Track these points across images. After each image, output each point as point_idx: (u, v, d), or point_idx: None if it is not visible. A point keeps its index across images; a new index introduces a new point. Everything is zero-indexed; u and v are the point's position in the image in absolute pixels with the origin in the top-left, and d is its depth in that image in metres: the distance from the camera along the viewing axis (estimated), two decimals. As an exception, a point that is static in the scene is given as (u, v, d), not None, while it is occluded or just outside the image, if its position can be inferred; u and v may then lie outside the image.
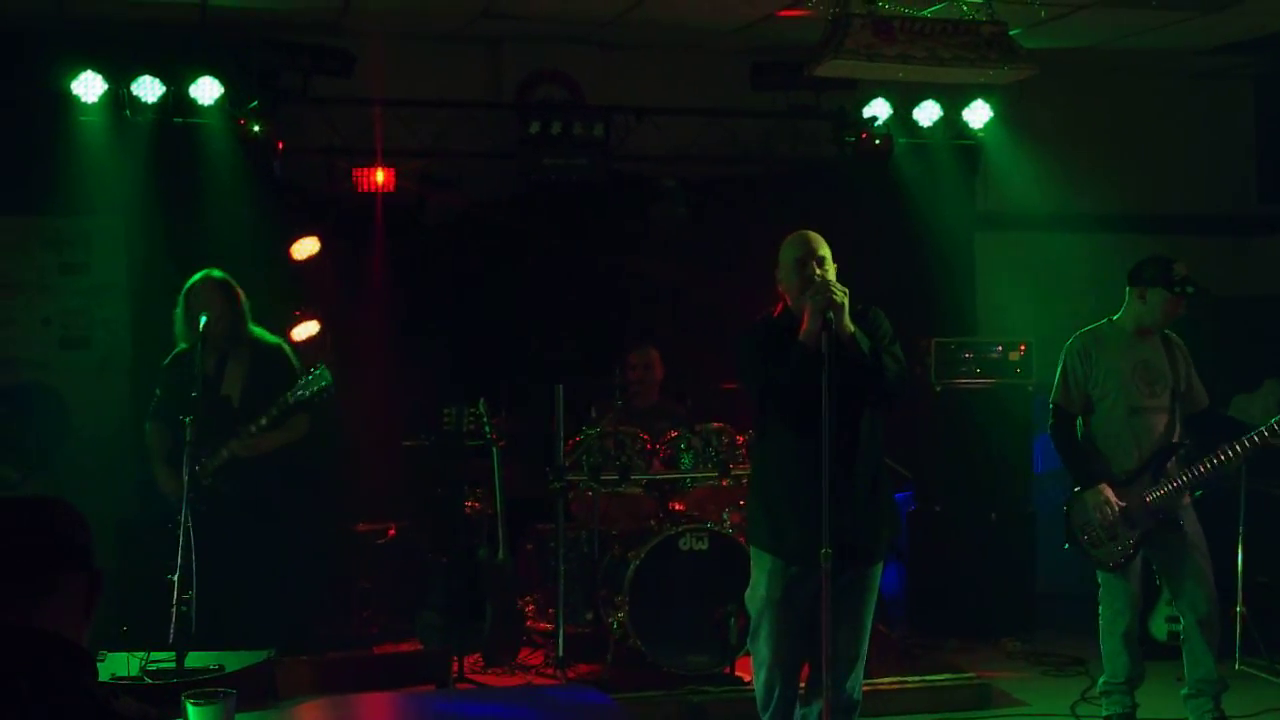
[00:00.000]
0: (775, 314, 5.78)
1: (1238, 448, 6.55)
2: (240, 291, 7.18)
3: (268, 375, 7.13)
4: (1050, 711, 7.65)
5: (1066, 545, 6.91)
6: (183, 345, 7.17)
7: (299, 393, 6.94)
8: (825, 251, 5.63)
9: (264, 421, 6.94)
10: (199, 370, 6.73)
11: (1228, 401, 9.18)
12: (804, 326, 5.42)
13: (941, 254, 9.85)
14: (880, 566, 5.82)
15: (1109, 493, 6.69)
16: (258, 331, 7.31)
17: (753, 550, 5.87)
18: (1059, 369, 6.99)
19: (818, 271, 5.52)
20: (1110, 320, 6.99)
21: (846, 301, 5.39)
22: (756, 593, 5.78)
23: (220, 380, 7.11)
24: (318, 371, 6.98)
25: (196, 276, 7.13)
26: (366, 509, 8.92)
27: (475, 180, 9.47)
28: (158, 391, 7.25)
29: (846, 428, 5.46)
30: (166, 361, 7.26)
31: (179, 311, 7.13)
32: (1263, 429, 6.55)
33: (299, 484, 7.33)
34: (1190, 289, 6.73)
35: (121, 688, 3.08)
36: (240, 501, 6.94)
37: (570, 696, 5.19)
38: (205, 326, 6.86)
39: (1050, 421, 6.99)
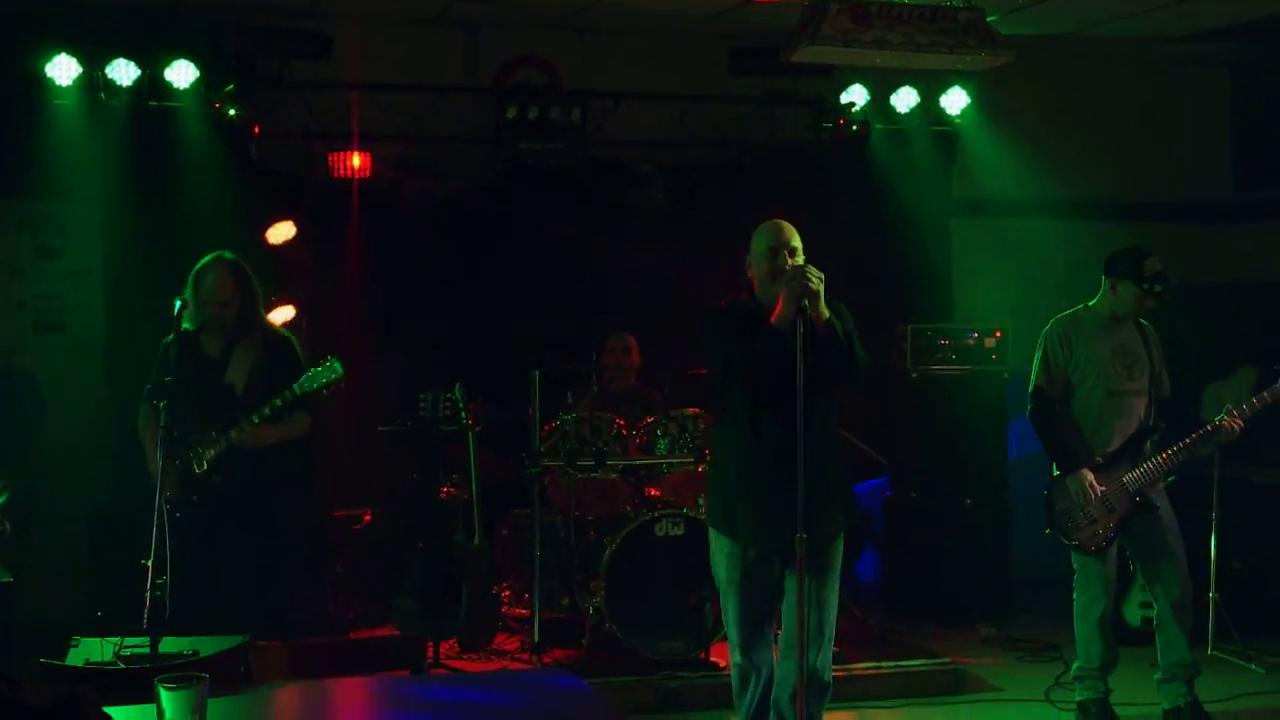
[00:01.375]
0: (743, 298, 5.81)
1: (1209, 428, 6.69)
2: (253, 276, 7.01)
3: (275, 367, 6.95)
4: (1024, 697, 7.67)
5: (1048, 530, 6.93)
6: (187, 325, 6.86)
7: (309, 384, 6.79)
8: (797, 242, 5.67)
9: (268, 411, 6.76)
10: (173, 357, 6.55)
11: (1201, 388, 9.23)
12: (776, 312, 5.43)
13: (918, 240, 9.87)
14: (839, 543, 5.80)
15: (1090, 478, 6.75)
16: (268, 321, 7.19)
17: (710, 530, 5.90)
18: (1039, 353, 7.01)
19: (790, 261, 5.55)
20: (1087, 306, 7.04)
21: (822, 288, 5.41)
22: (718, 573, 5.85)
23: (226, 366, 6.91)
24: (330, 362, 6.82)
25: (208, 258, 6.92)
26: (342, 494, 8.90)
27: (452, 165, 9.44)
28: (155, 373, 6.87)
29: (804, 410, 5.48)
30: (170, 340, 6.81)
31: (187, 292, 6.81)
32: (1231, 409, 6.68)
33: (288, 475, 7.26)
34: (1158, 287, 6.78)
35: (18, 677, 2.89)
36: (232, 492, 6.81)
37: (546, 681, 5.19)
38: (180, 310, 6.66)
39: (1030, 406, 7.02)
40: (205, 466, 6.78)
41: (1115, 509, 6.75)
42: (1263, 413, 6.77)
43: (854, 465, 7.95)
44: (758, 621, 5.78)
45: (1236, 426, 6.73)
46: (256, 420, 6.79)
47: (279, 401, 6.80)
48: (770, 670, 5.85)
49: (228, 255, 6.97)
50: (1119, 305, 6.91)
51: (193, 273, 6.91)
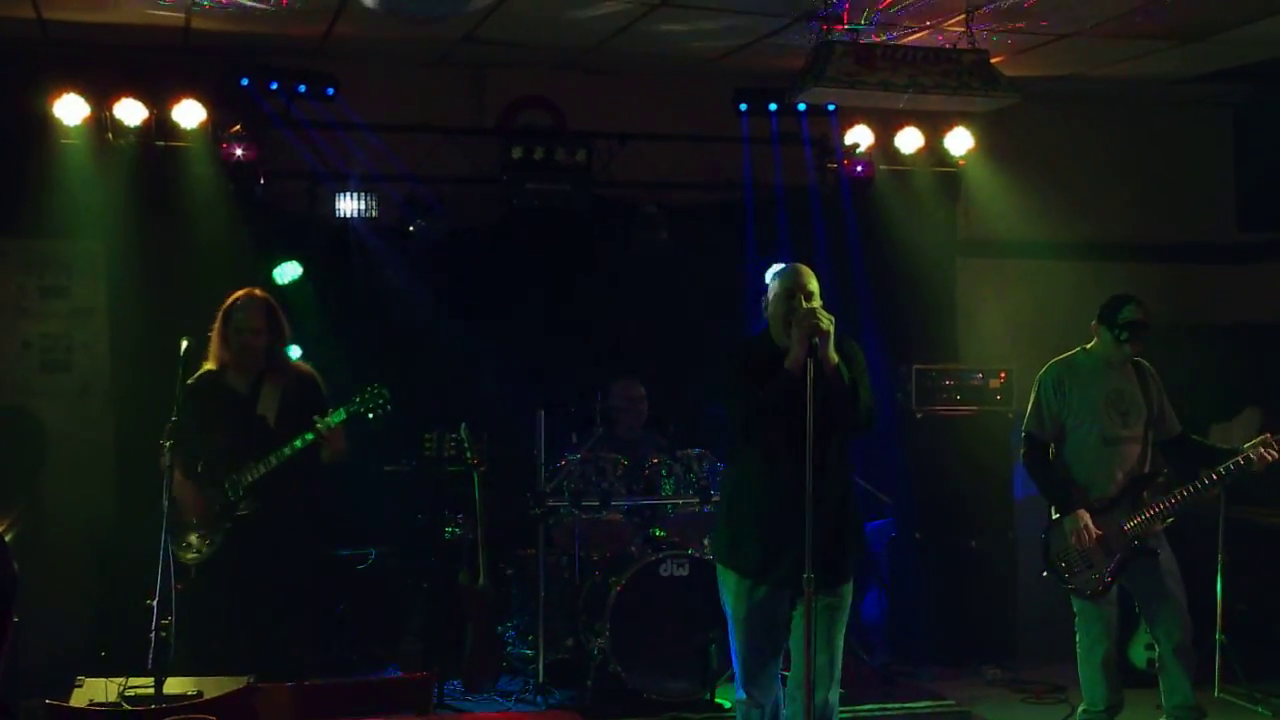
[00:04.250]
0: (758, 334, 5.84)
1: (1214, 475, 6.68)
2: (282, 314, 7.13)
3: (305, 401, 7.08)
4: (1030, 739, 7.66)
5: (1045, 573, 6.92)
6: (210, 366, 7.02)
7: (358, 408, 6.97)
8: (814, 286, 5.72)
9: (320, 431, 6.88)
10: (180, 395, 6.53)
11: (1206, 430, 9.21)
12: (791, 355, 5.46)
13: (922, 281, 9.90)
14: (850, 586, 5.83)
15: (1087, 518, 6.73)
16: (295, 358, 7.33)
17: (719, 566, 5.91)
18: (1033, 397, 7.04)
19: (805, 305, 5.58)
20: (1084, 349, 7.06)
21: (833, 329, 5.45)
22: (726, 609, 5.86)
23: (256, 400, 7.01)
24: (377, 389, 7.03)
25: (240, 294, 7.06)
26: (347, 534, 8.88)
27: (457, 205, 9.46)
28: (176, 416, 6.67)
29: (817, 451, 5.48)
30: (193, 382, 6.88)
31: (217, 328, 6.99)
32: (1238, 458, 6.65)
33: (308, 509, 7.25)
34: (1124, 335, 6.82)
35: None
36: (262, 522, 6.89)
37: (551, 723, 5.18)
38: (187, 350, 6.65)
39: (1023, 450, 7.04)
40: (240, 494, 6.81)
41: (1114, 553, 6.74)
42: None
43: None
44: (763, 659, 5.78)
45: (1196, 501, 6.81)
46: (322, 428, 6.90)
47: (359, 407, 6.98)
48: (775, 709, 5.84)
49: (258, 292, 7.13)
50: (1101, 350, 6.97)
51: (223, 307, 7.04)
